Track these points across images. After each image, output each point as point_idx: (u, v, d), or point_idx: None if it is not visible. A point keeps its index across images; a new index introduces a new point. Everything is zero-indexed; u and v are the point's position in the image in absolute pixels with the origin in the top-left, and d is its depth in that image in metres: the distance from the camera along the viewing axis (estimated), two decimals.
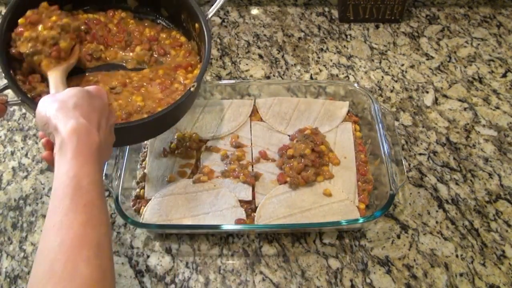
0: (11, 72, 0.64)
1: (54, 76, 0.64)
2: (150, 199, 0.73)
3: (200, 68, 0.69)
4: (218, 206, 0.72)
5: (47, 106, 0.50)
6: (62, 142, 0.47)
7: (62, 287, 0.39)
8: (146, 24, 0.77)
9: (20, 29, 0.65)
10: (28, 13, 0.65)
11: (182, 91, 0.69)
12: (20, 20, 0.65)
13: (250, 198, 0.73)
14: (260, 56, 0.99)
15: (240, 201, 0.73)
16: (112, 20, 0.76)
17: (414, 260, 0.69)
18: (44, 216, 0.76)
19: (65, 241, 0.41)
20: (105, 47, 0.73)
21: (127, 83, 0.70)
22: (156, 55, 0.74)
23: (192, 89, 0.66)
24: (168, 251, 0.71)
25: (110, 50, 0.73)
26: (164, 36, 0.76)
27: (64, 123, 0.47)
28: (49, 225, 0.43)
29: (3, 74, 0.62)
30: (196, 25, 0.72)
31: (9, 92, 0.61)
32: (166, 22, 0.78)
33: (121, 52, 0.74)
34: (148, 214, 0.72)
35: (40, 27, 0.65)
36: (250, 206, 0.73)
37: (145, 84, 0.70)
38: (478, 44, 1.00)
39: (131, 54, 0.74)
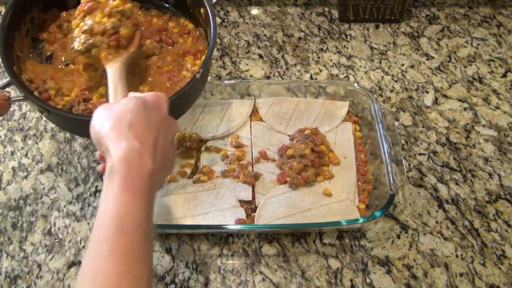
0: (14, 68, 0.64)
1: (114, 70, 0.58)
2: None
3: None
4: (218, 206, 0.72)
5: (102, 122, 0.46)
6: (112, 168, 0.43)
7: None
8: (153, 13, 0.76)
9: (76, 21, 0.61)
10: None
11: (190, 78, 0.66)
12: (78, 10, 0.61)
13: (250, 198, 0.73)
14: (260, 56, 0.99)
15: (240, 201, 0.73)
16: None
17: (414, 260, 0.69)
18: (44, 216, 0.76)
19: None
20: None
21: (136, 72, 0.69)
22: (165, 46, 0.73)
23: (198, 75, 0.63)
24: (168, 251, 0.71)
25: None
26: (172, 25, 0.76)
27: (115, 147, 0.44)
28: (86, 268, 0.40)
29: (6, 71, 0.62)
30: (202, 10, 0.71)
31: (13, 89, 0.61)
32: (173, 10, 0.77)
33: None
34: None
35: (97, 16, 0.59)
36: (250, 206, 0.73)
37: (153, 73, 0.69)
38: (478, 44, 1.00)
39: (141, 48, 0.72)
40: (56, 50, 0.72)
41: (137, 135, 0.44)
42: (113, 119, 0.45)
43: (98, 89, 0.67)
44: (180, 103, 0.65)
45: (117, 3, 0.60)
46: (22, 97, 0.60)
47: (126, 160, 0.43)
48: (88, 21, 0.60)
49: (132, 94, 0.51)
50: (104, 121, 0.46)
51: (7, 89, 0.62)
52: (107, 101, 0.64)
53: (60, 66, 0.70)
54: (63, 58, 0.71)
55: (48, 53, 0.71)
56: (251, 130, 0.82)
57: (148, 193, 0.43)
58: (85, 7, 0.60)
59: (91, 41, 0.59)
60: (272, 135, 0.81)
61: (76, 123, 0.63)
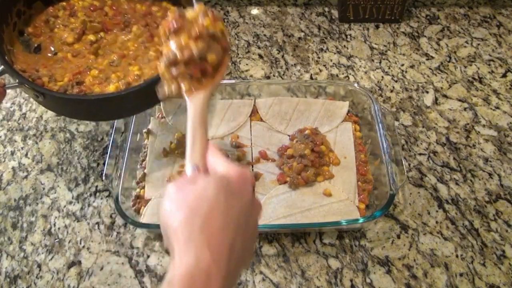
0: (6, 58, 0.64)
1: (195, 109, 0.47)
2: (150, 199, 0.73)
3: None
4: None
5: (173, 212, 0.39)
6: (172, 278, 0.36)
7: None
8: (135, 0, 0.78)
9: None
10: (172, 15, 0.51)
11: None
12: (163, 28, 0.51)
13: None
14: (260, 56, 0.99)
15: None
16: (106, 3, 0.77)
17: (414, 260, 0.69)
18: (44, 216, 0.76)
19: None
20: (105, 32, 0.74)
21: (125, 54, 0.71)
22: (151, 29, 0.75)
23: None
24: (168, 251, 0.71)
25: (110, 34, 0.74)
26: (155, 9, 0.77)
27: (180, 256, 0.36)
28: None
29: None
30: None
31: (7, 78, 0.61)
32: None
33: (121, 35, 0.74)
34: (148, 214, 0.72)
35: (182, 38, 0.49)
36: None
37: (141, 53, 0.71)
38: (478, 44, 1.00)
39: (129, 35, 0.74)
40: (43, 42, 0.73)
41: (209, 241, 0.36)
42: (186, 212, 0.38)
43: (90, 72, 0.68)
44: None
45: (207, 23, 0.49)
46: (17, 84, 0.61)
47: (190, 279, 0.35)
48: (172, 45, 0.49)
49: (212, 153, 0.44)
50: (175, 211, 0.39)
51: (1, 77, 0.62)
52: (100, 83, 0.65)
53: (49, 55, 0.72)
54: (51, 48, 0.72)
55: (36, 44, 0.73)
56: (251, 130, 0.82)
57: None
58: (173, 27, 0.50)
59: (174, 72, 0.49)
60: (272, 135, 0.81)
61: (72, 104, 0.65)
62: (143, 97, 0.65)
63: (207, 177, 0.42)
